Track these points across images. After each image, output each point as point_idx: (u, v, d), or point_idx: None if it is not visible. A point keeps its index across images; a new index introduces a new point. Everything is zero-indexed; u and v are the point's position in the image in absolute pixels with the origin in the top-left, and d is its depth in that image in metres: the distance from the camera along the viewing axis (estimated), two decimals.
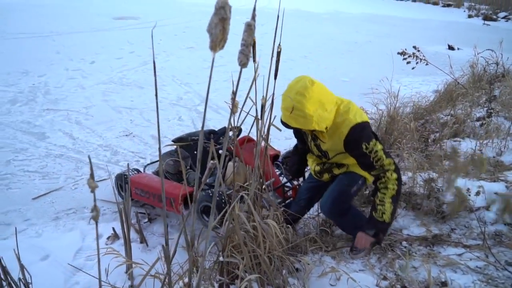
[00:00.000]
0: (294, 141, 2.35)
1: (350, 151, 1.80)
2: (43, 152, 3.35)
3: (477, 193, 2.14)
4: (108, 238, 2.28)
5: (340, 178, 2.00)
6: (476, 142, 2.97)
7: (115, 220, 2.46)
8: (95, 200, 0.83)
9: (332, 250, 1.92)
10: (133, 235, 2.28)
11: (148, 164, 2.86)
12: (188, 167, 2.62)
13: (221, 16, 0.85)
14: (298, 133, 2.14)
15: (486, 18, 16.45)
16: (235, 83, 1.26)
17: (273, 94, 1.47)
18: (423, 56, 4.11)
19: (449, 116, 3.63)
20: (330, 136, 1.80)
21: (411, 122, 3.00)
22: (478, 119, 3.47)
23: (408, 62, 4.00)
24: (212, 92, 5.18)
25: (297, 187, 2.39)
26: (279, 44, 1.38)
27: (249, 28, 0.96)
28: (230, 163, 2.40)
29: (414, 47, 4.16)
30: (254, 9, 0.98)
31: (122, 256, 1.60)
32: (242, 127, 1.98)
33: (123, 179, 2.54)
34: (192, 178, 2.50)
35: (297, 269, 1.69)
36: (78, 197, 2.76)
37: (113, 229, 2.28)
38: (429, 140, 3.22)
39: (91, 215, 0.83)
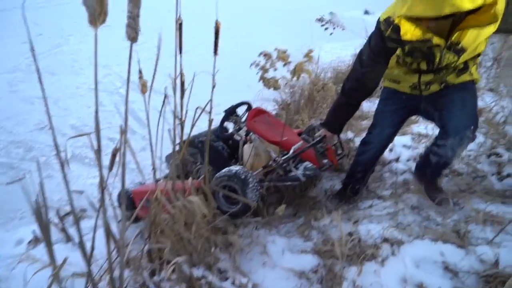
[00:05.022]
0: None
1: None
2: None
3: (390, 150, 2.35)
4: (29, 242, 2.13)
5: (460, 89, 1.60)
6: None
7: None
8: None
9: (264, 219, 1.97)
10: (60, 235, 2.15)
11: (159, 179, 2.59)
12: (198, 163, 2.28)
13: None
14: (385, 51, 1.61)
15: None
16: (138, 59, 1.20)
17: (181, 70, 1.42)
18: (340, 21, 4.27)
19: None
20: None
21: (330, 87, 3.14)
22: None
23: (326, 28, 4.14)
24: (135, 72, 4.91)
25: (333, 147, 2.01)
26: (179, 16, 1.32)
27: None
28: (246, 146, 2.13)
29: (331, 13, 4.31)
30: None
31: (40, 260, 1.50)
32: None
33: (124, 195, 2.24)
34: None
35: (231, 243, 1.73)
36: None
37: (34, 232, 2.12)
38: None
39: None
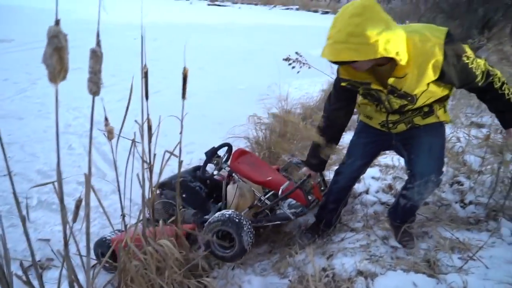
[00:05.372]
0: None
1: (452, 77, 1.44)
2: None
3: (359, 182, 2.41)
4: None
5: (428, 132, 1.66)
6: None
7: None
8: None
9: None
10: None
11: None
12: (180, 207, 2.29)
13: (56, 46, 0.81)
14: (347, 91, 1.67)
15: None
16: (103, 109, 1.21)
17: (148, 115, 1.44)
18: (305, 60, 4.48)
19: None
20: (415, 69, 1.40)
21: (299, 123, 3.24)
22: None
23: (293, 67, 4.33)
24: (104, 116, 4.87)
25: (318, 185, 2.11)
26: (145, 65, 1.37)
27: (95, 55, 0.93)
28: (230, 187, 2.15)
29: (297, 52, 4.52)
30: (98, 35, 0.95)
31: None
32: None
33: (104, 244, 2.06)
34: (189, 215, 2.15)
35: (205, 286, 1.68)
36: None
37: None
38: None
39: None
